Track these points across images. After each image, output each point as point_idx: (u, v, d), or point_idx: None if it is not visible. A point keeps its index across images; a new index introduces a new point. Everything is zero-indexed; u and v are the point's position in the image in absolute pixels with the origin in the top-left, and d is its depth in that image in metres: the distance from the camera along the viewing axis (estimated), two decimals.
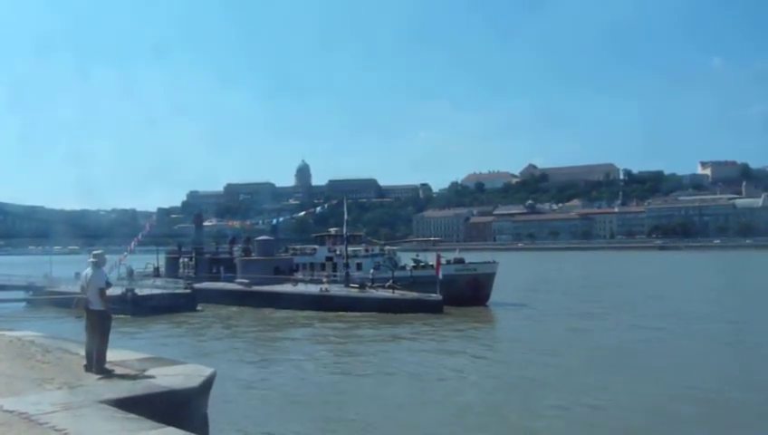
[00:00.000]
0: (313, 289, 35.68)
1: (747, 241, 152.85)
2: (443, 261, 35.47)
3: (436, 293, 32.32)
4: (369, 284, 35.29)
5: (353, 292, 34.50)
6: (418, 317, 29.92)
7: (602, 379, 17.38)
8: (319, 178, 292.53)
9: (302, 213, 49.38)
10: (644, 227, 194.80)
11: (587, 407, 14.54)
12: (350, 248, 39.52)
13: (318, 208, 44.74)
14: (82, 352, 8.28)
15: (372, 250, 43.19)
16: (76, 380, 7.34)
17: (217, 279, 41.16)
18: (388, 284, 34.65)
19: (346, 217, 39.87)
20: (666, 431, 13.17)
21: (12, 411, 5.64)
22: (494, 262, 36.99)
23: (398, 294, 33.29)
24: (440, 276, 33.03)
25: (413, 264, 39.19)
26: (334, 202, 47.51)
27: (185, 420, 6.31)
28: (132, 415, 5.70)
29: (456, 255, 39.36)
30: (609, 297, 40.09)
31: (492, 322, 31.45)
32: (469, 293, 34.61)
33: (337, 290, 35.16)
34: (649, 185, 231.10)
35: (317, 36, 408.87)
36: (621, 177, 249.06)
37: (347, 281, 36.30)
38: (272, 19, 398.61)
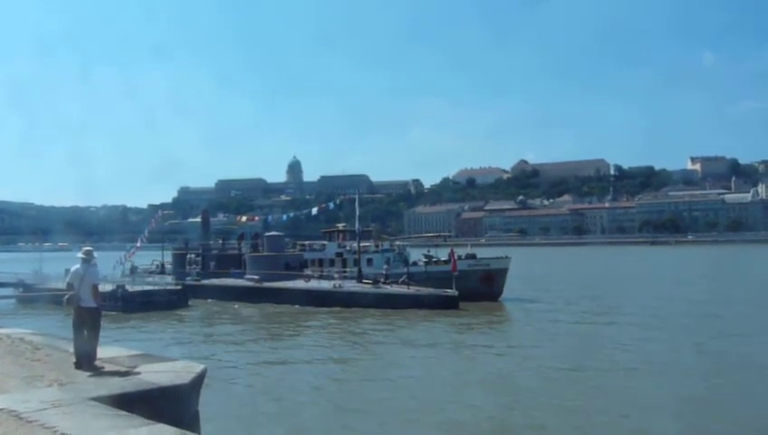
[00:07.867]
0: (326, 285, 35.39)
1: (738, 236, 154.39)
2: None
3: (450, 288, 32.32)
4: (383, 279, 35.10)
5: (367, 287, 34.34)
6: (434, 313, 29.76)
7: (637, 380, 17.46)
8: (310, 175, 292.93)
9: (314, 209, 49.04)
10: (634, 223, 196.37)
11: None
12: (360, 244, 39.38)
13: (330, 204, 44.66)
14: (72, 350, 8.23)
15: (383, 246, 43.02)
16: (66, 377, 7.29)
17: (226, 275, 40.86)
18: (401, 279, 34.44)
19: (358, 212, 39.75)
20: None
21: (1, 409, 5.58)
22: (507, 257, 37.00)
23: (413, 289, 33.06)
24: (457, 272, 33.03)
25: (424, 259, 39.10)
26: (346, 198, 47.32)
27: (176, 417, 6.29)
28: (123, 412, 5.67)
29: (468, 250, 39.38)
30: (614, 294, 40.00)
31: (509, 317, 31.25)
32: (483, 288, 34.58)
33: (350, 286, 34.96)
34: (640, 180, 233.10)
35: (313, 34, 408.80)
36: (612, 172, 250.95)
37: (359, 277, 36.09)
38: (269, 18, 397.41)
